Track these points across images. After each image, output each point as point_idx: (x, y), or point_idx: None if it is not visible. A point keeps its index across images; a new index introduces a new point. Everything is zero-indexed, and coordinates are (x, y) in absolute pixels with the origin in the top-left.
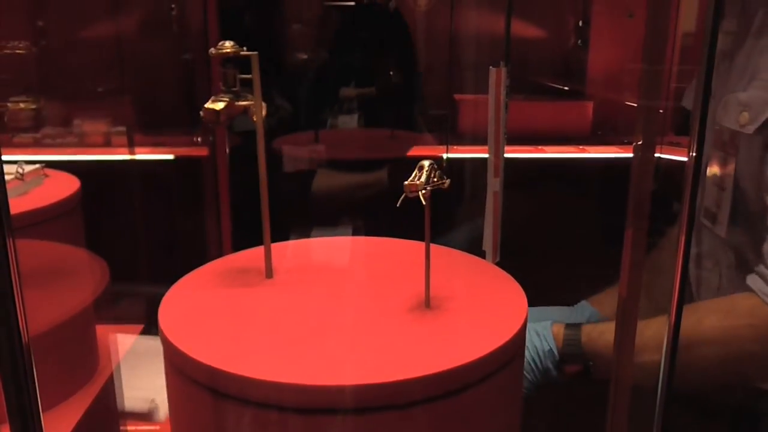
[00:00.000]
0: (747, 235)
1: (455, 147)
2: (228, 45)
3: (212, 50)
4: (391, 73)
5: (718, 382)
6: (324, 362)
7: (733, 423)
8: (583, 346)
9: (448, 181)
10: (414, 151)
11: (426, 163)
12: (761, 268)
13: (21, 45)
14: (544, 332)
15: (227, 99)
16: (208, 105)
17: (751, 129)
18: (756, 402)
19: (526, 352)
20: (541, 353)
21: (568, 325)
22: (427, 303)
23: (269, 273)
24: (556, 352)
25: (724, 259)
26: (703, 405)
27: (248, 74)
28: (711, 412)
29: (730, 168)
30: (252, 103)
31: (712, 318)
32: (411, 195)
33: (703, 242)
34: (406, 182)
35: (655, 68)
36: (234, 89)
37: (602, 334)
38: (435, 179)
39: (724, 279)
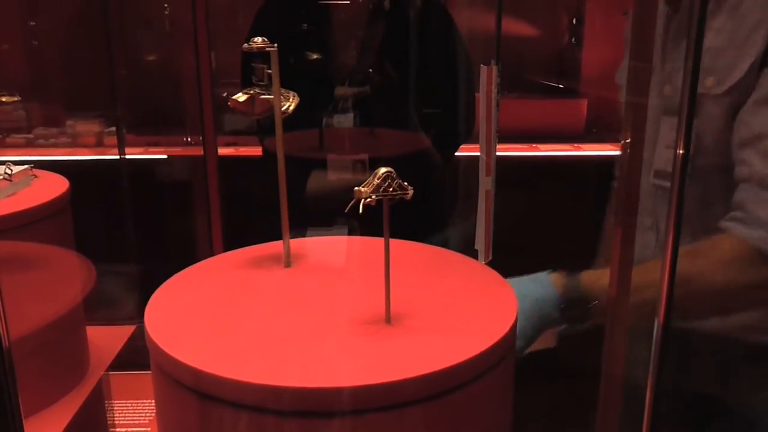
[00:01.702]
0: (705, 188)
1: None
2: (258, 40)
3: (245, 45)
4: (387, 71)
5: (709, 315)
6: (316, 364)
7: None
8: (583, 289)
9: (410, 192)
10: (411, 150)
11: (381, 170)
12: (737, 214)
13: None
14: (544, 279)
15: (252, 92)
16: (234, 97)
17: (719, 90)
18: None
19: (525, 301)
20: (541, 300)
21: (567, 273)
22: (388, 318)
23: (287, 263)
24: (556, 298)
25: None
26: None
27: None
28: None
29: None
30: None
31: (699, 257)
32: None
33: (642, 202)
34: (356, 187)
35: (642, 66)
36: (262, 83)
37: (598, 279)
38: (390, 189)
39: (662, 234)
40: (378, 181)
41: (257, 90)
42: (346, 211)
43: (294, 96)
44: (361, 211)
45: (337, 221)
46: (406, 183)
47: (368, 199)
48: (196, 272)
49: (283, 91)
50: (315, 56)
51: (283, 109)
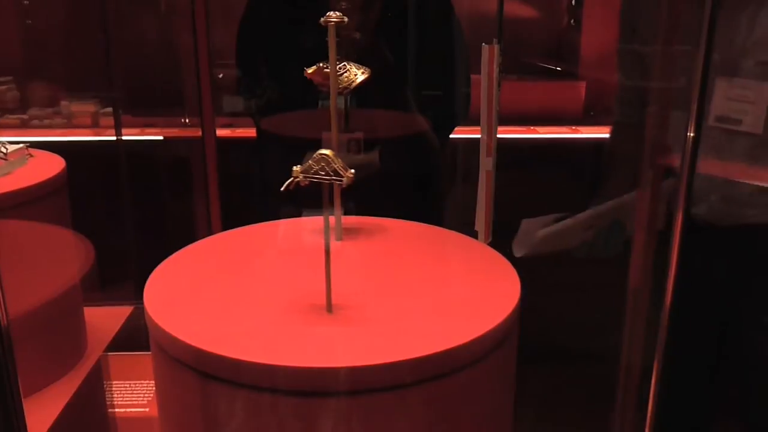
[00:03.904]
0: None
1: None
2: (334, 15)
3: (322, 20)
4: (383, 53)
5: None
6: (313, 344)
7: None
8: None
9: (345, 179)
10: (407, 131)
11: (318, 152)
12: None
13: None
14: None
15: (320, 64)
16: (306, 69)
17: None
18: None
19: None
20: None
21: None
22: (329, 308)
23: (339, 236)
24: None
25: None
26: None
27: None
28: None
29: None
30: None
31: None
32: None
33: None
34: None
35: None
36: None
37: None
38: (322, 173)
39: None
40: (311, 163)
41: (325, 63)
42: (281, 189)
43: (364, 70)
44: (282, 188)
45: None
46: (352, 171)
47: (297, 179)
48: (194, 251)
49: (354, 64)
50: (301, 36)
51: (343, 84)
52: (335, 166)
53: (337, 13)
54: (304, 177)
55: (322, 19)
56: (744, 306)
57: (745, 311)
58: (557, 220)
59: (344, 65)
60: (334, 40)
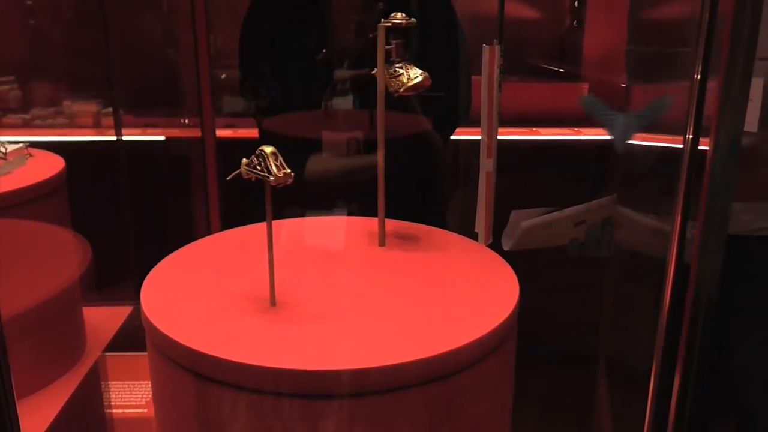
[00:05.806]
0: None
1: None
2: (398, 15)
3: (383, 20)
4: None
5: None
6: (315, 347)
7: None
8: None
9: (273, 178)
10: (409, 132)
11: (260, 148)
12: None
13: None
14: None
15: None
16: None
17: None
18: None
19: None
20: None
21: None
22: (273, 301)
23: (382, 241)
24: None
25: None
26: None
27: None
28: None
29: None
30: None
31: None
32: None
33: None
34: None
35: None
36: (390, 59)
37: None
38: (258, 168)
39: None
40: (252, 157)
41: (385, 66)
42: (227, 179)
43: (420, 74)
44: (228, 178)
45: (336, 203)
46: (288, 171)
47: (240, 171)
48: (191, 252)
49: (414, 67)
50: (304, 37)
51: (392, 87)
52: (268, 164)
53: (402, 14)
54: (246, 170)
55: (383, 20)
56: (738, 314)
57: (739, 319)
58: (547, 213)
59: (403, 65)
60: (384, 42)
